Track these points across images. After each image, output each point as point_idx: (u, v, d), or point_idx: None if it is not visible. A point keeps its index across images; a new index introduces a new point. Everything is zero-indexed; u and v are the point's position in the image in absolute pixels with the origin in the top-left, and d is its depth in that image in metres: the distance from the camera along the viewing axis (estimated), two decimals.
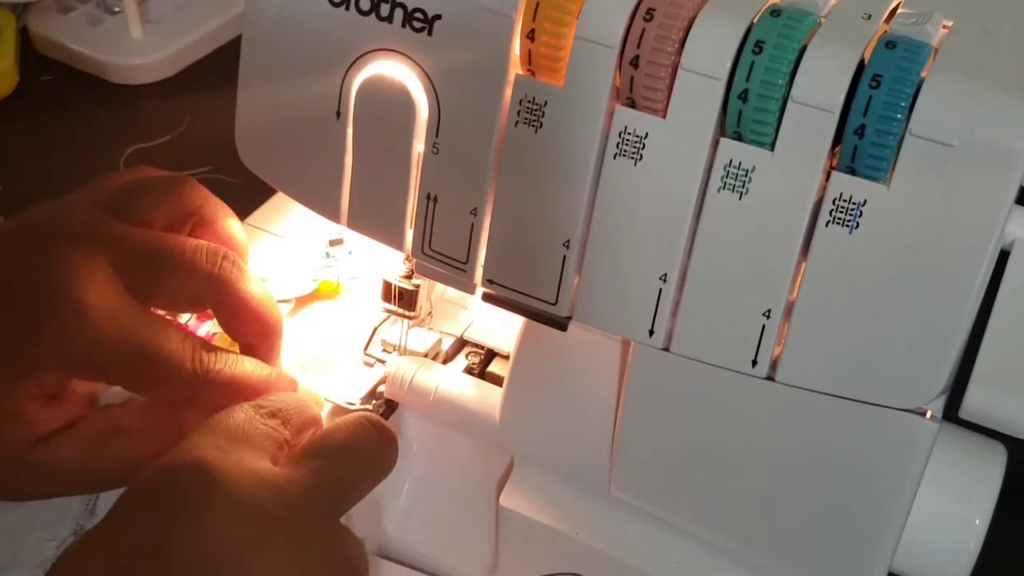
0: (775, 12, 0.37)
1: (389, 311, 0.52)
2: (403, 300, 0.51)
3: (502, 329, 0.53)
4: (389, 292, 0.51)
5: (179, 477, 0.39)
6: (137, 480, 0.39)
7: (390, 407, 0.51)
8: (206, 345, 0.45)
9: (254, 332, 0.48)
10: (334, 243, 0.57)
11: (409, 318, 0.51)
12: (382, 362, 0.52)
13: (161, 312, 0.47)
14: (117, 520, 0.39)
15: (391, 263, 0.50)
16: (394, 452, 0.44)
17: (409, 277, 0.51)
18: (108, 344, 0.43)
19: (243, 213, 0.56)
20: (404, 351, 0.52)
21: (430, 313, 0.55)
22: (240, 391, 0.46)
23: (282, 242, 0.57)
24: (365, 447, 0.43)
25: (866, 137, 0.35)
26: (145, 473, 0.40)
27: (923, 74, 0.35)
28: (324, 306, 0.56)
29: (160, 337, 0.44)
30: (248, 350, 0.48)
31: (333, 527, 0.41)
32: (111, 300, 0.44)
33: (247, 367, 0.46)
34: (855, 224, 0.36)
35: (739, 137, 0.37)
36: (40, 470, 0.44)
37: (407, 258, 0.51)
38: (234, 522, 0.38)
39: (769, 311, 0.38)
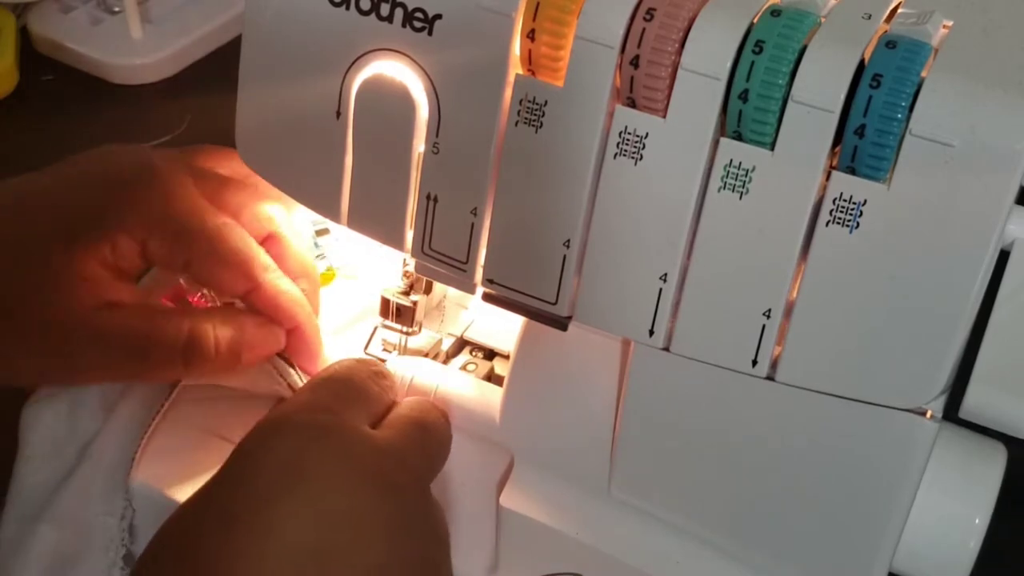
0: (775, 12, 0.37)
1: (388, 327, 0.52)
2: (401, 316, 0.51)
3: (502, 329, 0.53)
4: (387, 308, 0.51)
5: (291, 440, 0.39)
6: (250, 437, 0.40)
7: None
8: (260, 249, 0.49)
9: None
10: (320, 233, 0.57)
11: (408, 334, 0.52)
12: (383, 361, 0.52)
13: None
14: (229, 473, 0.39)
15: (381, 252, 0.50)
16: (450, 431, 0.45)
17: (407, 293, 0.51)
18: (186, 215, 0.47)
19: None
20: (404, 351, 0.52)
21: (443, 301, 0.55)
22: (283, 310, 0.48)
23: None
24: (437, 423, 0.44)
25: (866, 137, 0.35)
26: (258, 430, 0.40)
27: (923, 74, 0.35)
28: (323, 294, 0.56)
29: (226, 225, 0.47)
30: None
31: (428, 495, 0.42)
32: (189, 189, 0.47)
33: (298, 294, 0.49)
34: (855, 224, 0.36)
35: (739, 137, 0.37)
36: (100, 333, 0.46)
37: (405, 274, 0.51)
38: (349, 480, 0.38)
39: (769, 311, 0.38)
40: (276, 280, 0.48)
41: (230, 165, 0.51)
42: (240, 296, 0.48)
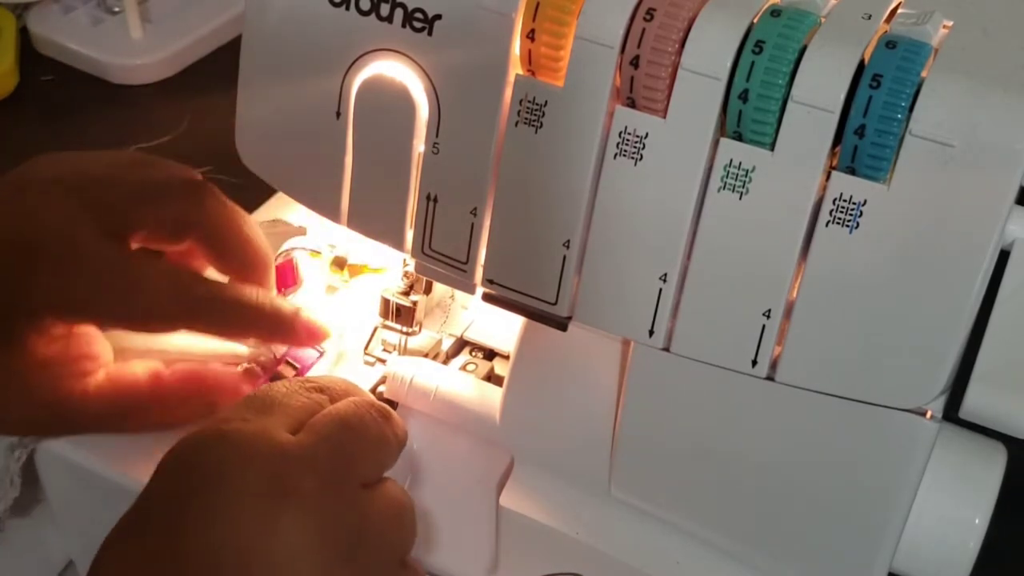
0: (775, 12, 0.37)
1: (388, 327, 0.52)
2: (401, 316, 0.51)
3: (502, 329, 0.53)
4: (387, 308, 0.51)
5: (199, 449, 0.40)
6: (166, 455, 0.41)
7: (390, 407, 0.51)
8: (192, 274, 0.48)
9: (241, 264, 0.50)
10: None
11: (408, 334, 0.52)
12: (382, 362, 0.52)
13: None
14: (147, 493, 0.40)
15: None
16: (396, 427, 0.45)
17: (407, 293, 0.51)
18: (95, 282, 0.45)
19: None
20: (404, 351, 0.52)
21: (446, 300, 0.55)
22: (239, 314, 0.48)
23: None
24: (365, 419, 0.43)
25: (866, 137, 0.35)
26: (173, 448, 0.41)
27: (923, 74, 0.35)
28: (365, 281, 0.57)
29: (145, 267, 0.46)
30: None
31: (346, 491, 0.41)
32: (91, 243, 0.46)
33: (243, 292, 0.48)
34: (855, 224, 0.36)
35: (739, 137, 0.37)
36: (87, 412, 0.47)
37: (405, 274, 0.51)
38: (249, 493, 0.38)
39: (769, 311, 0.38)
40: (209, 296, 0.48)
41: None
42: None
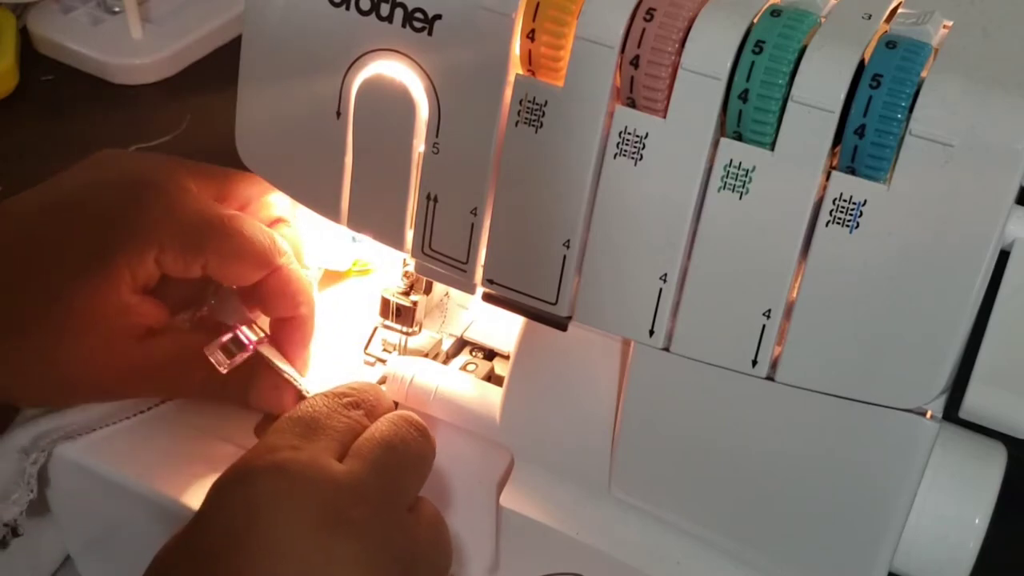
0: (775, 12, 0.37)
1: (388, 327, 0.52)
2: (401, 316, 0.51)
3: (502, 329, 0.53)
4: (387, 308, 0.51)
5: (252, 479, 0.40)
6: (219, 481, 0.41)
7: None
8: (276, 235, 0.50)
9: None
10: None
11: (409, 334, 0.52)
12: (383, 361, 0.52)
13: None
14: (201, 518, 0.40)
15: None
16: (431, 443, 0.45)
17: (407, 293, 0.51)
18: (192, 220, 0.47)
19: None
20: (404, 351, 0.52)
21: (444, 300, 0.55)
22: (291, 295, 0.50)
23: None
24: (407, 439, 0.44)
25: (866, 137, 0.35)
26: (226, 474, 0.41)
27: (923, 74, 0.35)
28: (351, 285, 0.57)
29: (236, 216, 0.49)
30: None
31: (396, 516, 0.42)
32: (191, 192, 0.48)
33: (308, 280, 0.51)
34: (855, 224, 0.36)
35: (739, 137, 0.37)
36: (146, 363, 0.48)
37: (405, 274, 0.51)
38: (304, 524, 0.39)
39: (769, 311, 0.38)
40: (290, 263, 0.50)
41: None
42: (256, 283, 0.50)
